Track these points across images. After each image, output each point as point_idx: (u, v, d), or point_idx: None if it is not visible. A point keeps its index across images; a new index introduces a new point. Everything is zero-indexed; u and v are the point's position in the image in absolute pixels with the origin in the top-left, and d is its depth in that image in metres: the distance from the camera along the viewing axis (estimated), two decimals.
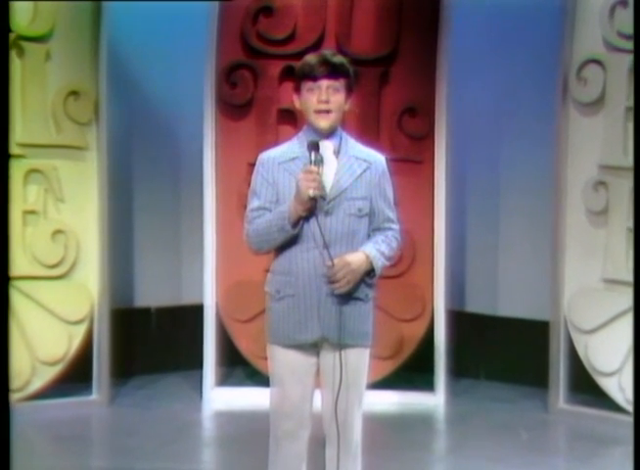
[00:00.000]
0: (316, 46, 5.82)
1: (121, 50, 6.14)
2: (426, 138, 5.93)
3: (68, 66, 5.61)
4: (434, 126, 5.91)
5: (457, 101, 6.00)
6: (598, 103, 5.55)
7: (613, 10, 5.45)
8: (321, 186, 3.26)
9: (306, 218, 3.28)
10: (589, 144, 5.58)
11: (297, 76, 3.38)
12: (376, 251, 3.34)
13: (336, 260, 3.26)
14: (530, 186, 6.34)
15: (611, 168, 5.49)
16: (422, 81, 5.92)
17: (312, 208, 3.26)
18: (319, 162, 3.28)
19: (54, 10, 5.52)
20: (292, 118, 5.82)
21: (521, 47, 6.31)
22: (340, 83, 3.33)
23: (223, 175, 5.91)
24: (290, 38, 5.88)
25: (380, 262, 3.34)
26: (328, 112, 3.32)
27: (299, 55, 5.74)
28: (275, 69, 5.88)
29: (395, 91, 5.93)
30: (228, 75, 5.91)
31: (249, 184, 5.68)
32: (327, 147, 3.34)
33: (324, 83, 3.31)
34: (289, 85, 5.84)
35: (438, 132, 5.90)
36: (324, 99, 3.31)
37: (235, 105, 5.93)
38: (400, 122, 5.93)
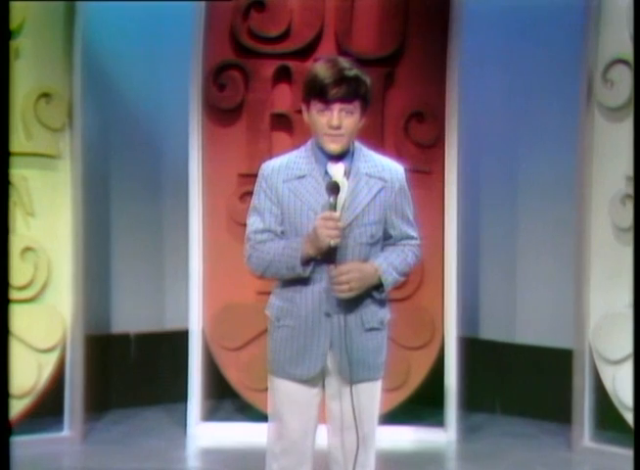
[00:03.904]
0: (313, 44, 5.86)
1: (98, 48, 6.15)
2: (435, 146, 5.93)
3: (39, 65, 5.60)
4: (443, 133, 5.91)
5: (469, 105, 6.00)
6: (626, 107, 5.53)
7: None
8: (341, 233, 3.25)
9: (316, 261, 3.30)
10: (616, 153, 5.57)
11: (307, 90, 3.30)
12: (387, 264, 3.34)
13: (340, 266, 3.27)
14: (551, 199, 6.34)
15: None
16: (430, 83, 5.92)
17: (329, 252, 3.26)
18: (338, 206, 3.26)
19: (24, 3, 5.51)
20: (286, 124, 5.82)
21: (540, 46, 6.32)
22: (354, 106, 3.27)
23: (211, 187, 5.90)
24: (284, 35, 5.88)
25: (390, 278, 3.33)
26: (339, 135, 3.29)
27: (295, 54, 5.87)
28: (268, 69, 5.88)
29: (401, 94, 5.93)
30: (216, 77, 5.91)
31: (239, 197, 5.85)
32: (337, 170, 3.32)
33: (336, 107, 3.25)
34: (283, 87, 5.92)
35: (449, 139, 5.90)
36: (335, 124, 3.25)
37: (224, 109, 5.92)
38: (407, 129, 5.93)
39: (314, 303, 3.31)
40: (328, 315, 3.30)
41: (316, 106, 3.27)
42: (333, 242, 3.23)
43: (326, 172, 3.32)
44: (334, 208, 3.25)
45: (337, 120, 3.25)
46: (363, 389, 3.36)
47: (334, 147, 3.30)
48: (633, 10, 5.28)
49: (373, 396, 3.39)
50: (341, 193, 3.28)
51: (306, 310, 3.32)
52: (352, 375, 3.31)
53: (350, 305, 3.31)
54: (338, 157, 3.32)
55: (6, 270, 2.86)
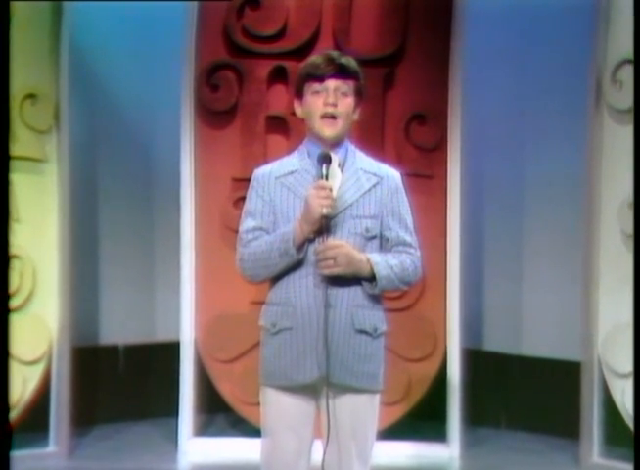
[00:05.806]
0: (310, 43, 5.86)
1: (86, 47, 6.15)
2: (437, 149, 5.93)
3: (24, 65, 5.58)
4: (446, 136, 5.91)
5: (473, 107, 6.00)
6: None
7: None
8: (334, 203, 3.27)
9: (310, 241, 3.30)
10: (625, 156, 5.56)
11: (300, 78, 3.41)
12: (381, 259, 3.33)
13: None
14: (558, 205, 6.34)
15: None
16: (432, 84, 5.93)
17: (321, 228, 3.27)
18: (331, 176, 3.30)
19: (9, 2, 5.50)
20: (282, 127, 5.82)
21: (546, 45, 6.34)
22: (349, 86, 3.36)
23: (203, 192, 5.90)
24: (280, 34, 5.89)
25: (384, 271, 3.31)
26: (334, 118, 3.34)
27: (291, 54, 5.86)
28: (263, 69, 5.88)
29: (402, 95, 5.93)
30: (209, 77, 5.91)
31: (232, 202, 5.84)
32: (331, 153, 3.35)
33: (331, 84, 3.34)
34: (278, 88, 5.90)
35: (451, 142, 5.90)
36: (331, 101, 3.33)
37: (217, 111, 5.92)
38: (408, 131, 5.93)
39: (309, 298, 3.30)
40: (325, 308, 3.28)
41: (311, 87, 3.36)
42: (325, 210, 3.24)
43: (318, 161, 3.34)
44: (326, 177, 3.29)
45: (332, 97, 3.33)
46: (348, 397, 3.33)
47: (329, 132, 3.34)
48: (633, 10, 5.27)
49: (363, 409, 3.35)
50: (333, 182, 3.30)
51: (302, 309, 3.30)
52: (329, 373, 3.27)
53: (343, 299, 3.30)
54: (332, 148, 3.36)
55: (6, 284, 2.85)
